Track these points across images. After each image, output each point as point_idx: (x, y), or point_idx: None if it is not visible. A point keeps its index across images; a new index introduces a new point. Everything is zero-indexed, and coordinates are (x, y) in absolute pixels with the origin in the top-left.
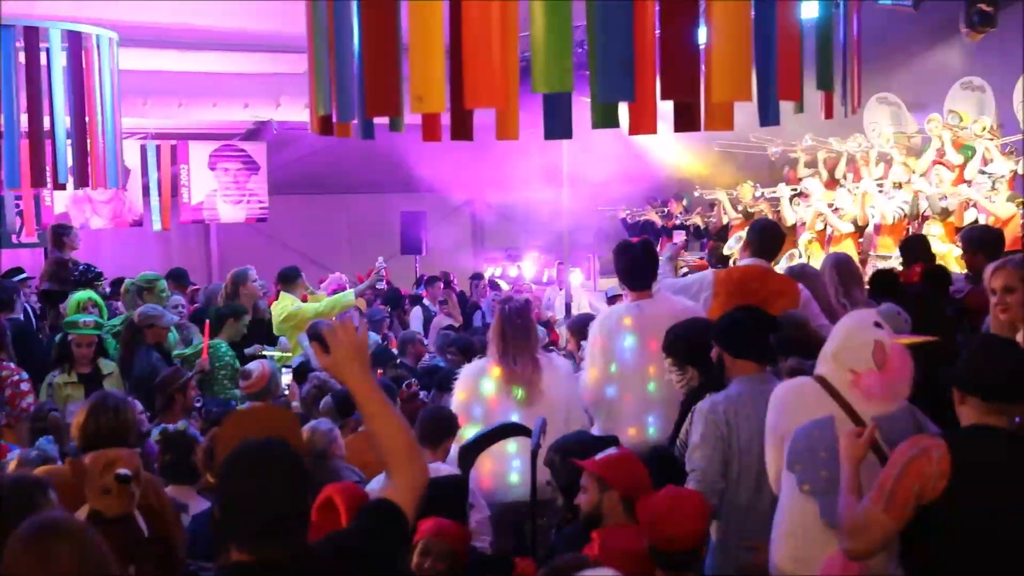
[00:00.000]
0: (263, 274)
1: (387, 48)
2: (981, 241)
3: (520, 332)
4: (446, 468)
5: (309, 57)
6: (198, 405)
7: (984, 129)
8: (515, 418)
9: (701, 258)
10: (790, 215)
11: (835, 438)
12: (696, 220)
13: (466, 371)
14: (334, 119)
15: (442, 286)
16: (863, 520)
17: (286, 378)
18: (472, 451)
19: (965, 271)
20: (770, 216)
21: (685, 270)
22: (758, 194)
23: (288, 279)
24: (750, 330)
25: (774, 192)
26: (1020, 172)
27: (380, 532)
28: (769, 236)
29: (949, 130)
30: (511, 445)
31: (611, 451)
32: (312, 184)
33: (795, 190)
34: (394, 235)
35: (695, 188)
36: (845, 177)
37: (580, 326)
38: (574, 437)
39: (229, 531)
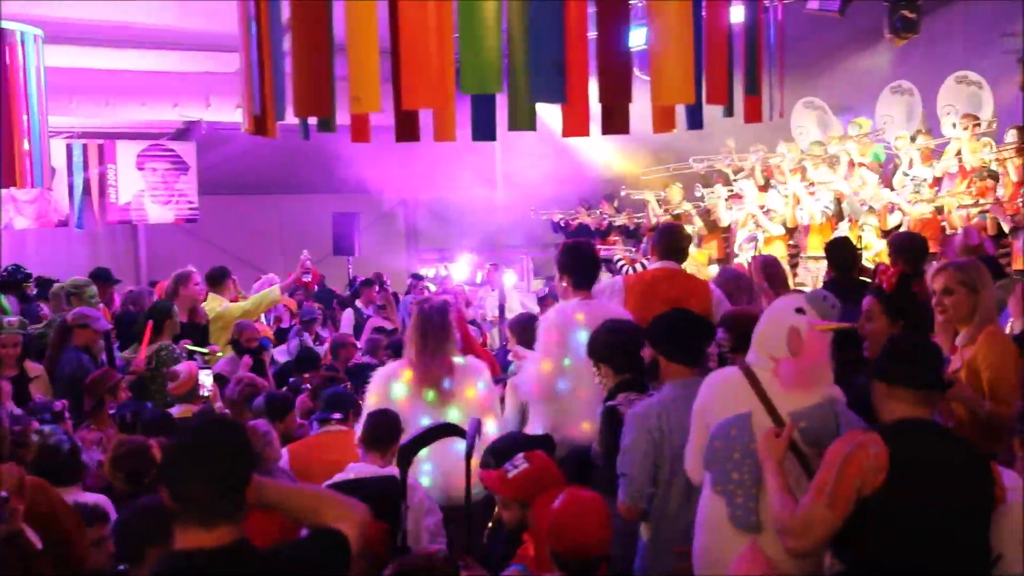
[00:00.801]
0: None
1: (319, 48)
2: (900, 247)
3: (439, 332)
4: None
5: (242, 56)
6: (111, 412)
7: (913, 139)
8: (426, 421)
9: (633, 252)
10: (725, 216)
11: (751, 438)
12: (623, 221)
13: (378, 374)
14: (278, 118)
15: (377, 288)
16: (806, 518)
17: (208, 379)
18: (409, 451)
19: None
20: (697, 217)
21: (619, 256)
22: (698, 194)
23: (216, 280)
24: (685, 333)
25: (712, 192)
26: (938, 175)
27: (331, 553)
28: (676, 239)
29: (851, 141)
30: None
31: (522, 464)
32: (243, 184)
33: (731, 191)
34: (326, 236)
35: (623, 188)
36: (769, 180)
37: (521, 325)
38: (509, 439)
39: (179, 502)
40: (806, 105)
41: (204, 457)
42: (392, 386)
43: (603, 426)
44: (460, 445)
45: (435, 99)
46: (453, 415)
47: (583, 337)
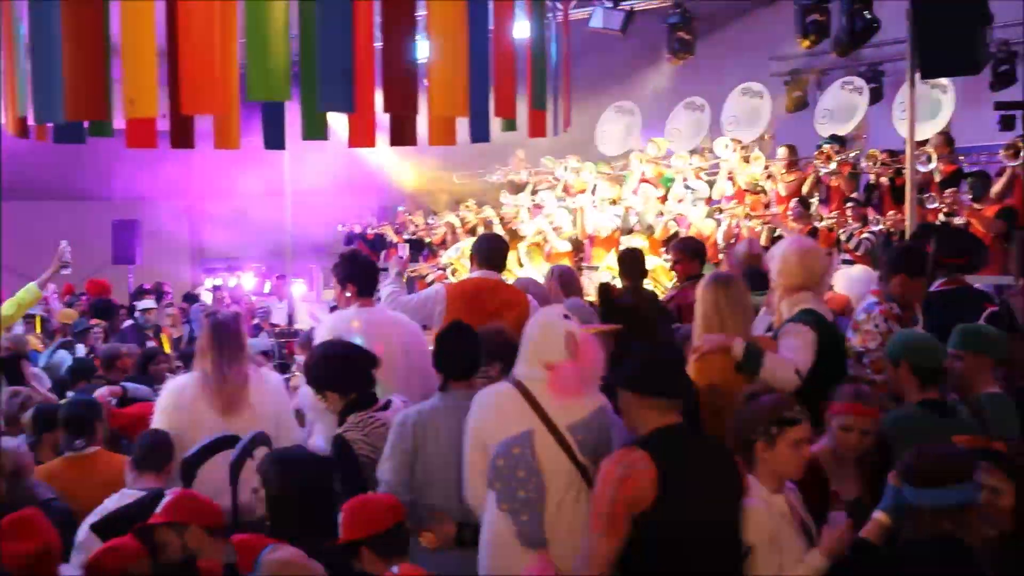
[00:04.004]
0: None
1: (92, 47)
2: (694, 250)
3: (233, 343)
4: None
5: (4, 53)
6: None
7: (687, 162)
8: (223, 433)
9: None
10: (526, 227)
11: (533, 456)
12: (421, 234)
13: (170, 387)
14: (31, 121)
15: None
16: (589, 550)
17: None
18: (192, 465)
19: (676, 279)
20: (498, 226)
21: (431, 277)
22: (504, 201)
23: None
24: (444, 348)
25: (517, 200)
26: (715, 197)
27: None
28: (495, 248)
29: (652, 163)
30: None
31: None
32: (13, 190)
33: (534, 202)
34: (105, 245)
35: (428, 206)
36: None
37: (309, 340)
38: (293, 452)
39: None
40: (617, 111)
41: None
42: (184, 398)
43: (334, 456)
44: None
45: (216, 105)
46: (247, 427)
47: (358, 343)
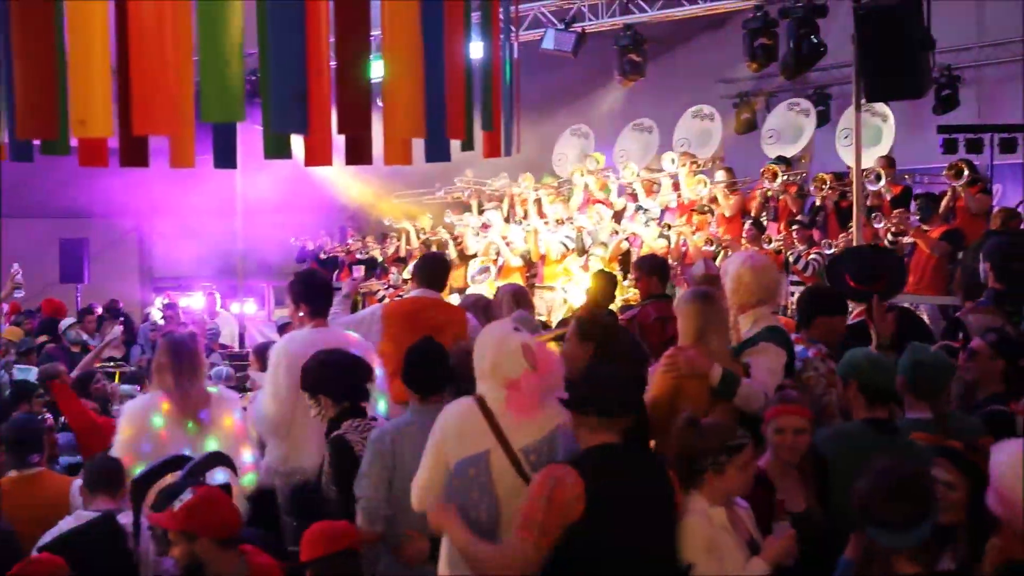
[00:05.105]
0: None
1: (43, 64)
2: (652, 267)
3: (193, 361)
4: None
5: None
6: None
7: (634, 174)
8: (188, 451)
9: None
10: (472, 245)
11: (488, 478)
12: (375, 253)
13: (132, 406)
14: None
15: (95, 317)
16: (514, 553)
17: None
18: (143, 485)
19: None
20: (452, 245)
21: (382, 294)
22: (448, 220)
23: None
24: (414, 364)
25: (462, 220)
26: (660, 208)
27: None
28: (436, 268)
29: (591, 175)
30: None
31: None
32: None
33: (482, 223)
34: (53, 263)
35: (382, 219)
36: (511, 210)
37: (264, 352)
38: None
39: None
40: (573, 133)
41: None
42: (151, 418)
43: (332, 456)
44: (220, 475)
45: (171, 125)
46: (212, 445)
47: None
